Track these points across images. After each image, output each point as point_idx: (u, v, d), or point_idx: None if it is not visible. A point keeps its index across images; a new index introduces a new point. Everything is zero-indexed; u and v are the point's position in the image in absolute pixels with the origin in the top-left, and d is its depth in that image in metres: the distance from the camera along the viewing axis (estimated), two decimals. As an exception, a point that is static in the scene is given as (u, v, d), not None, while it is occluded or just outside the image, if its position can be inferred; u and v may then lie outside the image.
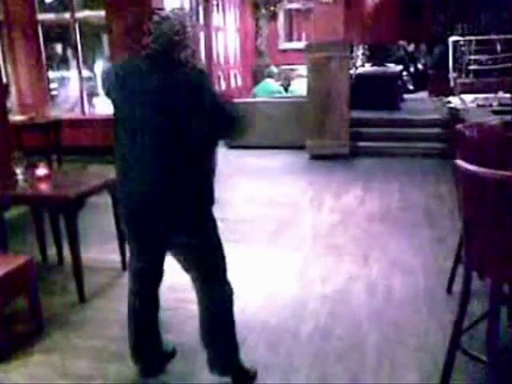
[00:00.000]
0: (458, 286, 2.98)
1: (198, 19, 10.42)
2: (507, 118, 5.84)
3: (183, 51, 2.19)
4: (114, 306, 3.33)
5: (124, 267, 3.87)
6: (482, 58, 9.77)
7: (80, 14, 8.26)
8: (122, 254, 3.86)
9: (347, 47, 7.71)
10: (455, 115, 6.89)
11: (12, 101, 8.37)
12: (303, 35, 13.50)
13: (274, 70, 9.71)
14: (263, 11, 12.62)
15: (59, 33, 9.50)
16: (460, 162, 2.54)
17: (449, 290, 3.43)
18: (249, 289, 3.50)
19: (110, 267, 3.92)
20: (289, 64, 11.38)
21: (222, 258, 2.45)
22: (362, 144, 7.71)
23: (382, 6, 13.21)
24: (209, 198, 2.32)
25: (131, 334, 2.50)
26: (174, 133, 2.15)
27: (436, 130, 7.77)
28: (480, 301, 2.95)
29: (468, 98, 7.42)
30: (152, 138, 2.14)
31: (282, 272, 3.83)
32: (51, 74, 9.39)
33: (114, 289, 3.62)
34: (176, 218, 2.25)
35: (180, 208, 2.23)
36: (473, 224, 2.63)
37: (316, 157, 7.42)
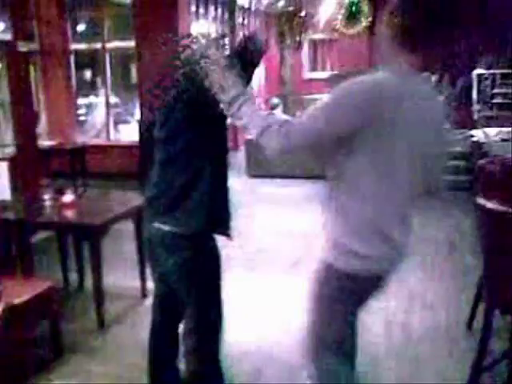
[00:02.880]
0: (478, 323, 2.94)
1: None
2: (532, 152, 5.78)
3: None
4: (133, 333, 3.37)
5: (144, 294, 3.92)
6: (507, 91, 9.73)
7: (110, 45, 8.54)
8: (143, 280, 3.92)
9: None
10: (478, 149, 6.85)
11: (42, 126, 8.63)
12: (327, 65, 13.66)
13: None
14: (288, 41, 12.82)
15: (89, 60, 9.79)
16: (481, 200, 2.55)
17: (469, 326, 3.38)
18: (264, 319, 3.50)
19: (130, 294, 3.96)
20: (312, 93, 11.50)
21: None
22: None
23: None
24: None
25: (150, 362, 2.52)
26: None
27: (459, 163, 7.72)
28: (501, 339, 2.90)
29: (492, 131, 7.38)
30: None
31: (300, 303, 3.82)
32: (80, 101, 9.66)
33: (134, 316, 3.66)
34: None
35: None
36: (494, 261, 2.62)
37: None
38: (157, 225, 2.16)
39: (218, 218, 2.21)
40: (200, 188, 2.11)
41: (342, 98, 1.67)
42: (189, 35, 2.22)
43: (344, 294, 1.86)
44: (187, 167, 2.16)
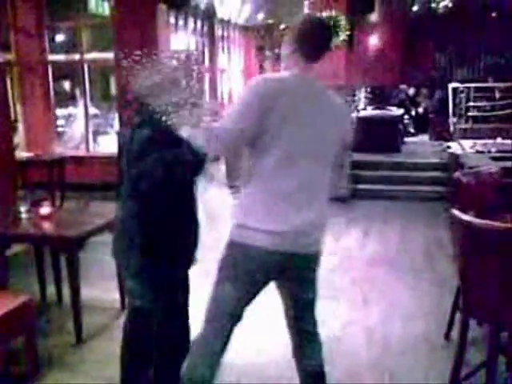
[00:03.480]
0: (457, 333, 2.97)
1: (203, 61, 10.69)
2: (507, 164, 5.91)
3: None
4: (111, 348, 3.32)
5: (123, 307, 3.88)
6: (481, 104, 9.94)
7: (89, 56, 8.49)
8: (122, 293, 3.87)
9: (348, 90, 7.87)
10: (455, 160, 6.97)
11: (19, 137, 8.52)
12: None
13: None
14: (267, 53, 12.93)
15: (68, 71, 9.73)
16: (456, 212, 2.59)
17: (447, 336, 3.41)
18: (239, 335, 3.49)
19: (109, 307, 3.92)
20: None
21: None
22: (362, 187, 7.77)
23: (384, 50, 13.53)
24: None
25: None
26: None
27: (436, 174, 7.85)
28: (479, 349, 2.94)
29: (467, 143, 7.53)
30: None
31: (277, 316, 3.82)
32: (59, 111, 9.57)
33: (112, 329, 3.61)
34: None
35: None
36: (469, 271, 2.66)
37: (317, 198, 7.46)
38: None
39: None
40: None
41: (248, 93, 2.00)
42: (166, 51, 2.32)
43: (237, 263, 2.03)
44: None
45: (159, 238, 2.34)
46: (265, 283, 2.12)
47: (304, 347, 2.27)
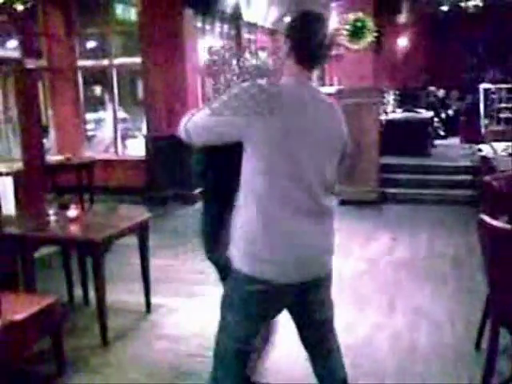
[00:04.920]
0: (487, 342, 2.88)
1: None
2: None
3: None
4: (135, 350, 3.35)
5: (148, 310, 3.90)
6: (514, 105, 9.72)
7: (117, 61, 8.62)
8: (147, 296, 3.90)
9: (377, 93, 7.78)
10: (486, 163, 6.80)
11: (51, 142, 8.70)
12: (335, 80, 13.68)
13: None
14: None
15: (98, 76, 9.88)
16: (484, 217, 2.52)
17: (477, 345, 3.31)
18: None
19: (134, 309, 3.95)
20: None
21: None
22: (391, 190, 7.66)
23: (412, 52, 13.35)
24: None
25: None
26: None
27: (467, 177, 7.68)
28: (510, 358, 2.85)
29: (499, 146, 7.33)
30: None
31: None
32: (89, 116, 9.73)
33: (137, 332, 3.64)
34: None
35: None
36: (498, 278, 2.58)
37: (345, 202, 7.38)
38: None
39: None
40: None
41: (231, 99, 1.84)
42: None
43: (241, 294, 1.88)
44: None
45: None
46: (275, 315, 2.03)
47: (326, 363, 2.14)
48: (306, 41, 1.87)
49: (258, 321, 1.95)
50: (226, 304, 1.96)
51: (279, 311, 2.01)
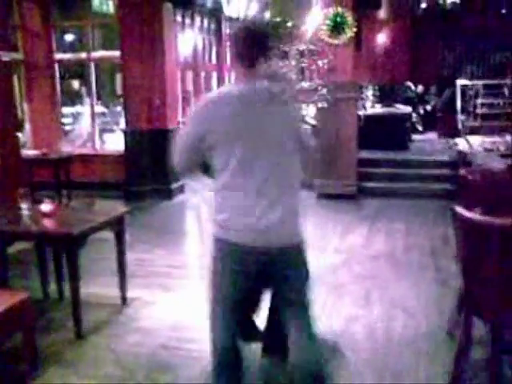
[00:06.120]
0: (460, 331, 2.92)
1: (210, 60, 10.69)
2: (515, 161, 5.83)
3: None
4: (111, 344, 3.32)
5: (124, 303, 3.88)
6: (490, 101, 9.82)
7: (96, 54, 8.51)
8: (122, 289, 3.87)
9: (356, 88, 7.82)
10: (463, 158, 6.90)
11: (26, 136, 8.57)
12: (314, 75, 13.70)
13: None
14: (275, 51, 12.87)
15: (76, 69, 9.77)
16: (458, 209, 2.55)
17: (451, 334, 3.34)
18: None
19: (109, 303, 3.92)
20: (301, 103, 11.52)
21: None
22: (369, 184, 7.72)
23: (391, 48, 13.43)
24: None
25: None
26: None
27: (444, 171, 7.77)
28: (482, 347, 2.88)
29: (475, 140, 7.45)
30: None
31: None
32: (66, 110, 9.62)
33: (112, 325, 3.61)
34: None
35: None
36: (471, 268, 2.62)
37: (323, 196, 7.43)
38: None
39: None
40: None
41: (195, 112, 2.24)
42: None
43: (220, 255, 2.22)
44: None
45: None
46: (248, 278, 2.21)
47: (297, 347, 2.27)
48: (245, 48, 2.18)
49: (237, 277, 2.21)
50: (211, 268, 2.26)
51: (249, 273, 2.22)
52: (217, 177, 2.19)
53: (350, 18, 7.85)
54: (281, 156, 2.17)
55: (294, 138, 2.22)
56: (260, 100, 2.14)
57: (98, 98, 9.00)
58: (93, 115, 8.71)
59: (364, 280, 4.40)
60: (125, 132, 7.89)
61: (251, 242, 2.12)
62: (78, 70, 9.39)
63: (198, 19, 10.02)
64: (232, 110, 2.12)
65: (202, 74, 10.30)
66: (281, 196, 2.15)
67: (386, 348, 3.26)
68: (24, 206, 3.76)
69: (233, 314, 2.28)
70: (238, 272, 2.19)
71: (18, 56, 8.18)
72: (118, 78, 8.89)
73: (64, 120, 9.31)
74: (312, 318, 2.30)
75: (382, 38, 13.55)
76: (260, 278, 2.25)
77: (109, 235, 3.80)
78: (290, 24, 10.56)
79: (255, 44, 2.18)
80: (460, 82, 9.98)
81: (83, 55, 8.53)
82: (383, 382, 2.88)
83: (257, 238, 2.12)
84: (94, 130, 8.69)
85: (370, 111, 9.92)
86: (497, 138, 7.58)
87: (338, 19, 8.09)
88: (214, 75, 10.76)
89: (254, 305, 3.01)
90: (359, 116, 8.14)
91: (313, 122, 7.73)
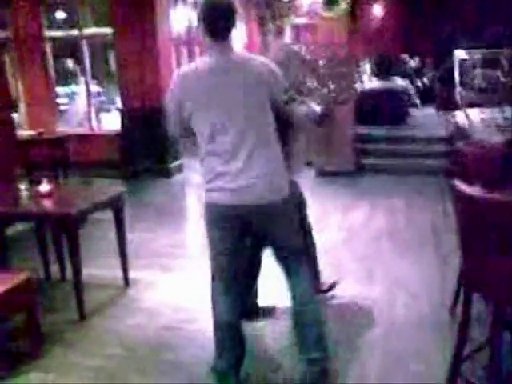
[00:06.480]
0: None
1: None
2: (513, 134, 5.79)
3: None
4: (113, 324, 3.34)
5: (126, 284, 3.88)
6: (488, 72, 9.72)
7: (88, 31, 8.37)
8: (125, 270, 3.87)
9: (351, 62, 7.74)
10: (461, 131, 6.86)
11: (21, 116, 8.47)
12: (310, 49, 13.54)
13: None
14: (270, 26, 12.70)
15: (70, 48, 9.62)
16: (457, 183, 2.52)
17: (452, 312, 3.35)
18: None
19: (111, 284, 3.93)
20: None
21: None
22: (368, 161, 7.68)
23: (387, 20, 13.26)
24: None
25: None
26: None
27: (442, 147, 7.74)
28: (484, 325, 2.87)
29: (474, 112, 7.39)
30: None
31: (284, 291, 3.80)
32: (61, 89, 9.50)
33: (115, 306, 3.63)
34: None
35: None
36: (470, 244, 2.60)
37: (322, 173, 7.39)
38: None
39: None
40: None
41: (173, 82, 2.43)
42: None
43: (212, 218, 2.44)
44: None
45: None
46: (233, 235, 2.44)
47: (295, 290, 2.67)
48: (212, 22, 2.34)
49: (224, 233, 2.43)
50: (206, 232, 2.48)
51: (236, 228, 2.44)
52: (199, 145, 2.40)
53: (345, -9, 7.74)
54: (250, 118, 2.34)
55: (262, 98, 2.37)
56: (227, 69, 2.34)
57: (93, 77, 8.87)
58: (88, 94, 8.61)
59: (365, 258, 4.39)
60: (121, 111, 7.81)
61: (228, 201, 2.34)
62: (71, 49, 9.22)
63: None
64: (203, 81, 2.32)
65: (197, 50, 10.17)
66: (256, 156, 2.33)
67: (388, 326, 3.27)
68: (22, 186, 3.73)
69: (232, 284, 2.48)
70: (224, 228, 2.41)
71: (7, 34, 8.04)
72: (112, 56, 8.75)
73: (59, 100, 9.19)
74: (310, 272, 2.67)
75: (377, 10, 13.37)
76: (245, 235, 2.52)
77: (108, 215, 3.79)
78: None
79: (221, 18, 2.33)
80: (457, 53, 9.85)
81: (75, 32, 8.38)
82: (385, 361, 2.90)
83: (233, 198, 2.33)
84: (89, 109, 8.60)
85: (366, 85, 9.82)
86: (495, 110, 7.50)
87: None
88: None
89: (252, 271, 3.18)
90: (356, 90, 8.06)
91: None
